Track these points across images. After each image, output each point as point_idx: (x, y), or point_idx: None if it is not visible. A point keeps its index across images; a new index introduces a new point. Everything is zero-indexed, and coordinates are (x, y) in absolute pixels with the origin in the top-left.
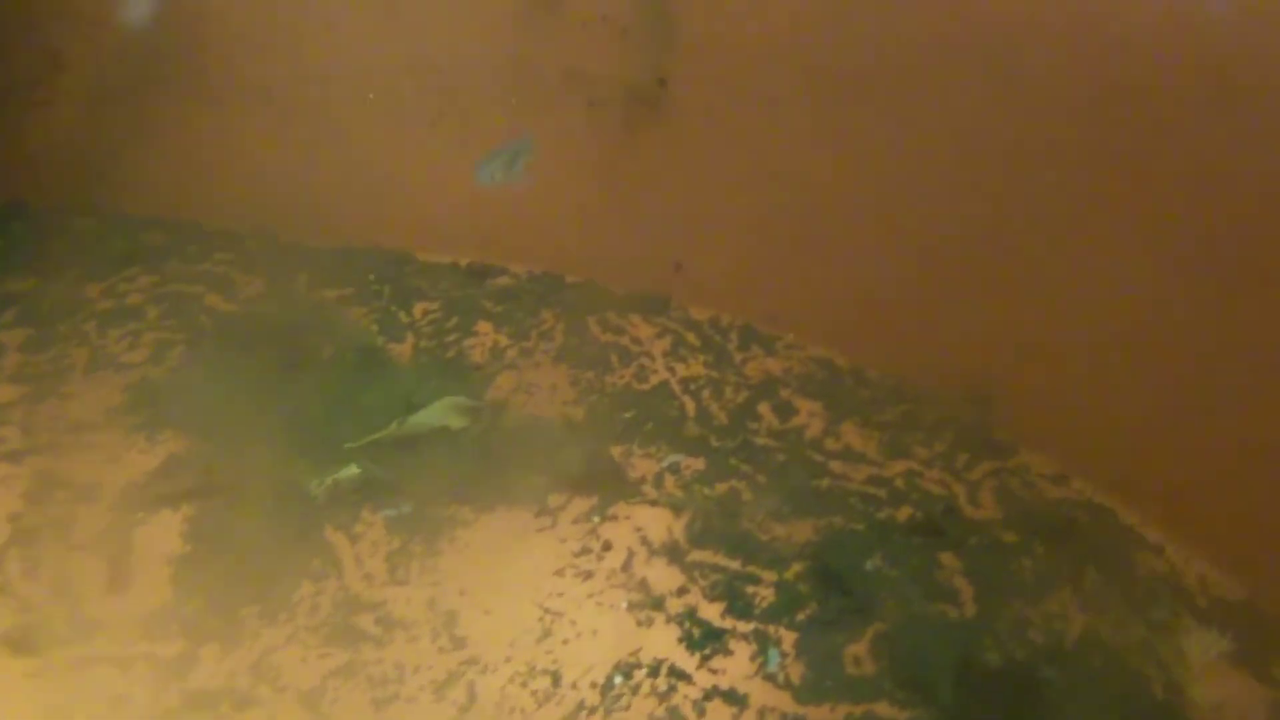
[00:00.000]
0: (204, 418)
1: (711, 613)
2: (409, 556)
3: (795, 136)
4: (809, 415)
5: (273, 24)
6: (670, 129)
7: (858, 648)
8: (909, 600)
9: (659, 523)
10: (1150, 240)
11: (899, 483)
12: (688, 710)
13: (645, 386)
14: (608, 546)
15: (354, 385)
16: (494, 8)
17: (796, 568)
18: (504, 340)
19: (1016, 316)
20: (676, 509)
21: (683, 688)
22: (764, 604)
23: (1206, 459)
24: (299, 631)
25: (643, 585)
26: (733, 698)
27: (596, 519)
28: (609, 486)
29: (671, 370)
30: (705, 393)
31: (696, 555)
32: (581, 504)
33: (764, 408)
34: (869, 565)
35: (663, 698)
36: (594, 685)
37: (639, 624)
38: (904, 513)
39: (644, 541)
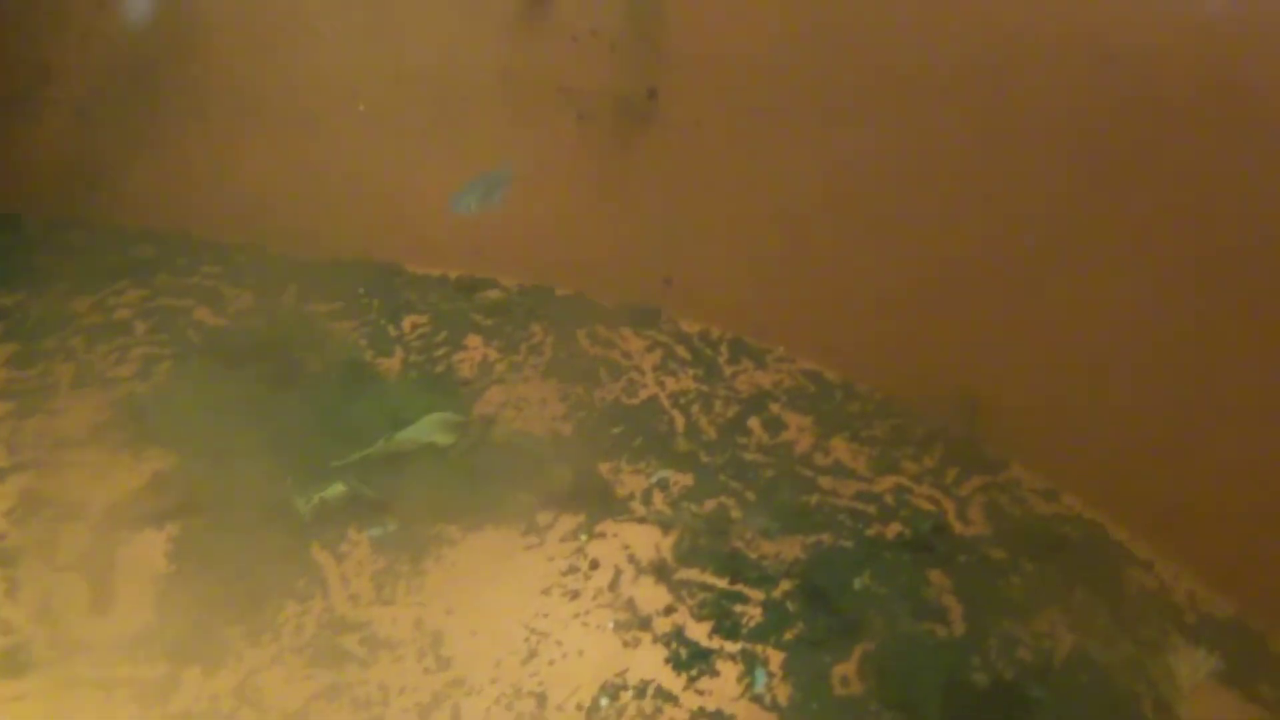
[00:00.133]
0: (190, 434)
1: (699, 632)
2: (395, 576)
3: (785, 149)
4: (798, 430)
5: (263, 36)
6: (660, 142)
7: (845, 667)
8: (897, 619)
9: (647, 540)
10: (1141, 256)
11: (888, 498)
12: None
13: (635, 401)
14: (595, 565)
15: (342, 401)
16: (484, 20)
17: (785, 586)
18: (493, 354)
19: (1007, 330)
20: (665, 526)
21: (669, 709)
22: (752, 623)
23: (1197, 475)
24: (283, 653)
25: (630, 605)
26: (719, 719)
27: (584, 537)
28: (597, 503)
29: (661, 384)
30: (695, 407)
31: (684, 574)
32: (569, 522)
33: (754, 422)
34: (857, 583)
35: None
36: (580, 707)
37: (625, 644)
38: (893, 529)
39: (631, 560)
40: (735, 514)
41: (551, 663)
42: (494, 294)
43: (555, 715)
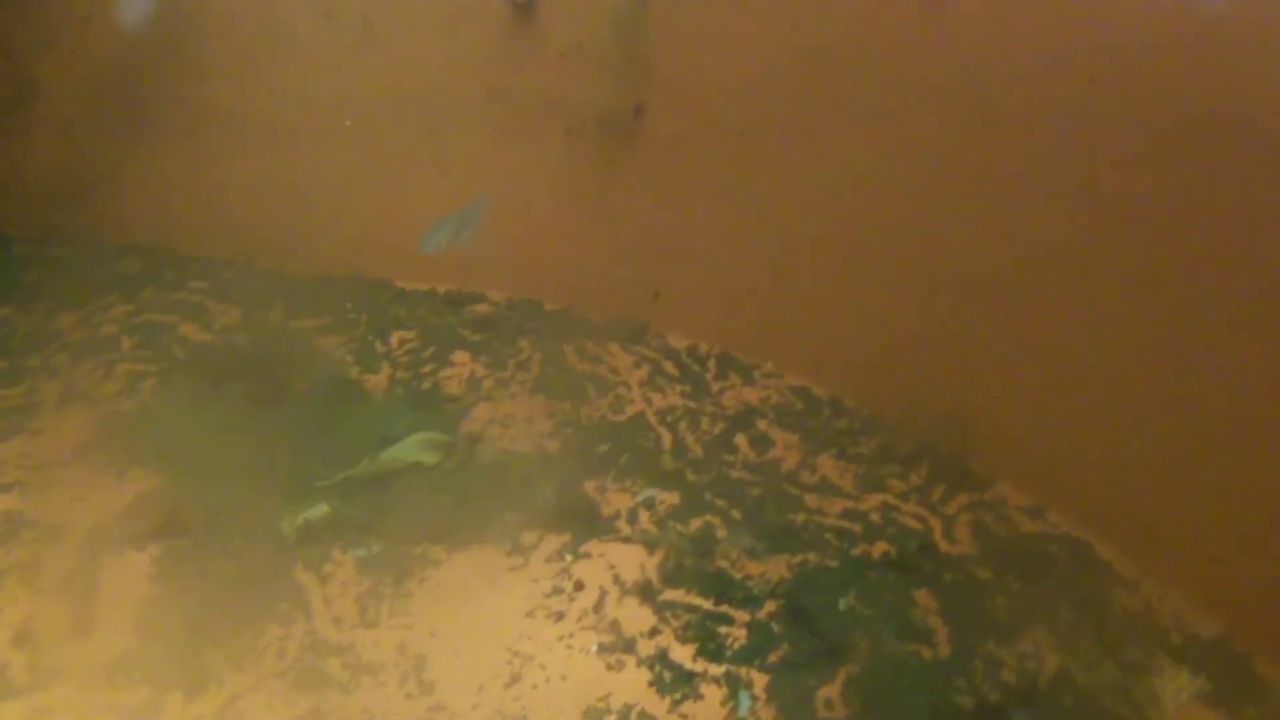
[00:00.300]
0: (175, 454)
1: (683, 655)
2: (379, 598)
3: (771, 165)
4: (785, 447)
5: (249, 51)
6: (647, 157)
7: (830, 690)
8: (882, 640)
9: (632, 561)
10: (1128, 275)
11: (874, 517)
12: None
13: (621, 418)
14: (580, 586)
15: (328, 419)
16: (472, 36)
17: (770, 607)
18: (481, 370)
19: (994, 347)
20: (650, 546)
21: None
22: (736, 645)
23: (1183, 493)
24: (265, 677)
25: (614, 627)
26: None
27: (569, 557)
28: (582, 523)
29: (648, 401)
30: (682, 424)
31: (669, 594)
32: (554, 541)
33: (740, 439)
34: (842, 604)
35: None
36: None
37: (609, 667)
38: (879, 548)
39: (617, 580)
40: (721, 533)
41: (535, 687)
42: (482, 308)
43: None
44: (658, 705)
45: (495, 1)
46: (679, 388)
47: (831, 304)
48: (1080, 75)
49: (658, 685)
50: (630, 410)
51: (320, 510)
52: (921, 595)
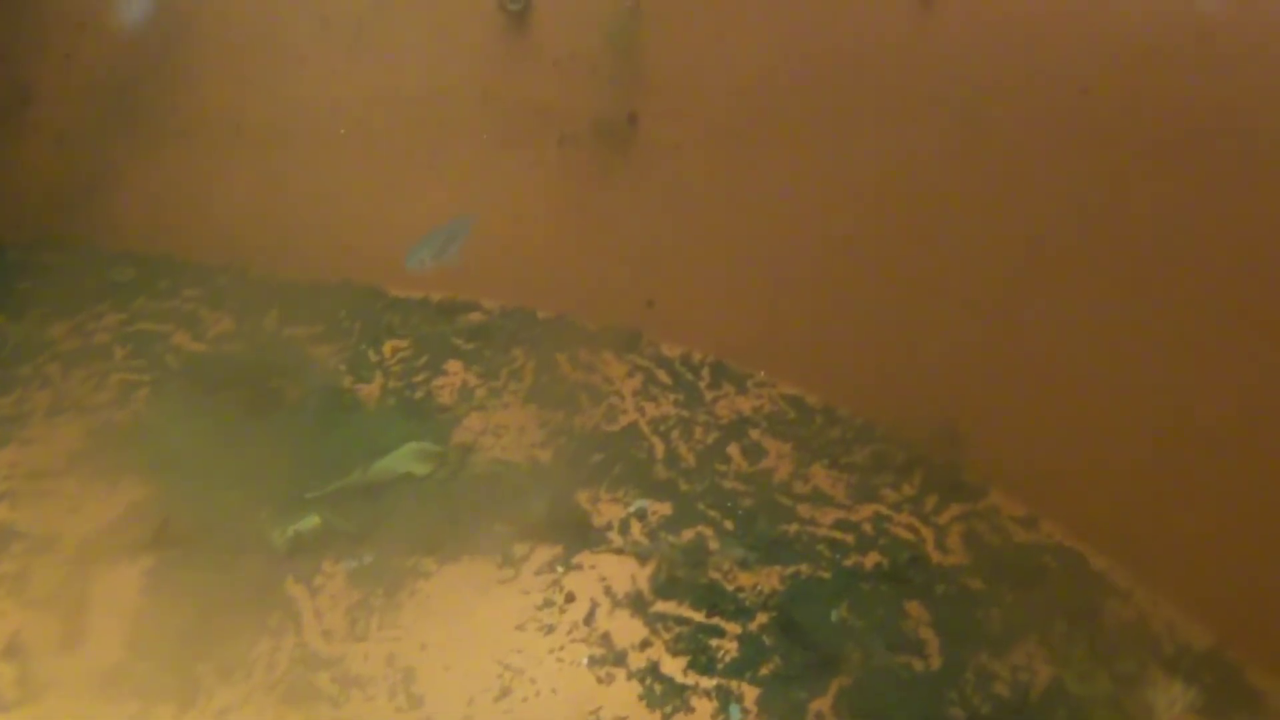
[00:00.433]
0: (166, 464)
1: (674, 668)
2: (369, 610)
3: (765, 174)
4: (778, 457)
5: (243, 58)
6: (641, 165)
7: (821, 703)
8: (874, 653)
9: (624, 572)
10: (1120, 284)
11: (867, 527)
12: None
13: (614, 427)
14: (571, 598)
15: (320, 429)
16: (466, 44)
17: (761, 619)
18: (473, 380)
19: (987, 356)
20: (642, 558)
21: None
22: (727, 658)
23: (1176, 503)
24: (255, 691)
25: (605, 639)
26: None
27: (560, 569)
28: (574, 534)
29: (641, 410)
30: (675, 433)
31: (661, 606)
32: (545, 553)
33: (733, 449)
34: (834, 616)
35: None
36: None
37: (600, 681)
38: (871, 559)
39: (608, 592)
40: (713, 544)
41: (525, 700)
42: (476, 317)
43: None
44: (648, 719)
45: (489, 9)
46: (672, 397)
47: (825, 313)
48: (1072, 85)
49: (648, 699)
50: (623, 420)
51: (312, 521)
52: (913, 607)
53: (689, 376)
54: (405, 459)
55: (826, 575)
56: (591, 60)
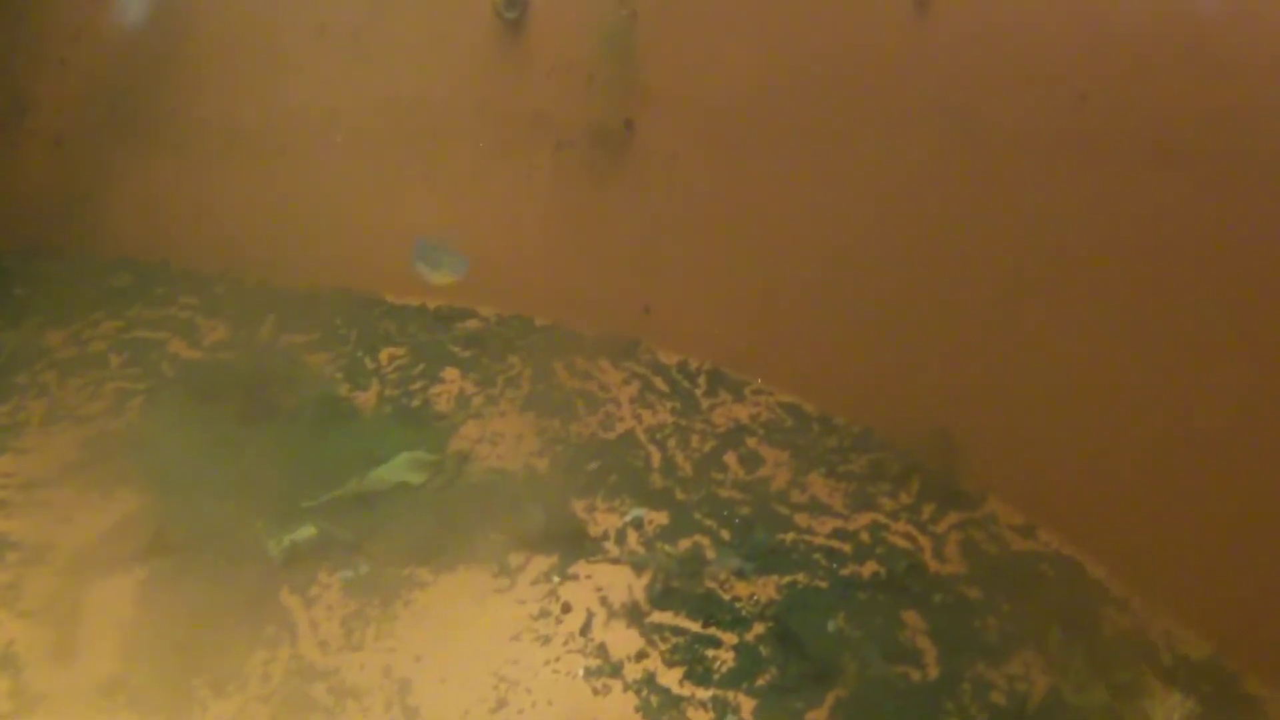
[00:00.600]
0: (161, 473)
1: (670, 679)
2: (365, 621)
3: (761, 181)
4: (775, 465)
5: (240, 66)
6: (637, 172)
7: (817, 714)
8: (871, 663)
9: (620, 582)
10: (1118, 291)
11: (864, 536)
12: None
13: (611, 435)
14: (567, 608)
15: (316, 438)
16: (462, 51)
17: (758, 629)
18: (470, 387)
19: (985, 364)
20: (638, 567)
21: None
22: (724, 669)
23: (1174, 511)
24: (249, 703)
25: (601, 650)
26: None
27: (556, 579)
28: (570, 543)
29: (638, 418)
30: (671, 442)
31: (657, 617)
32: (542, 563)
33: (730, 457)
34: (831, 626)
35: None
36: None
37: (595, 692)
38: (869, 568)
39: (604, 602)
40: (710, 554)
41: (520, 712)
42: (473, 324)
43: None
44: None
45: (485, 17)
46: (669, 404)
47: (822, 320)
48: (1070, 92)
49: (644, 710)
50: (620, 428)
51: (307, 531)
52: (910, 616)
53: (686, 384)
54: (401, 468)
55: (823, 585)
56: (588, 68)
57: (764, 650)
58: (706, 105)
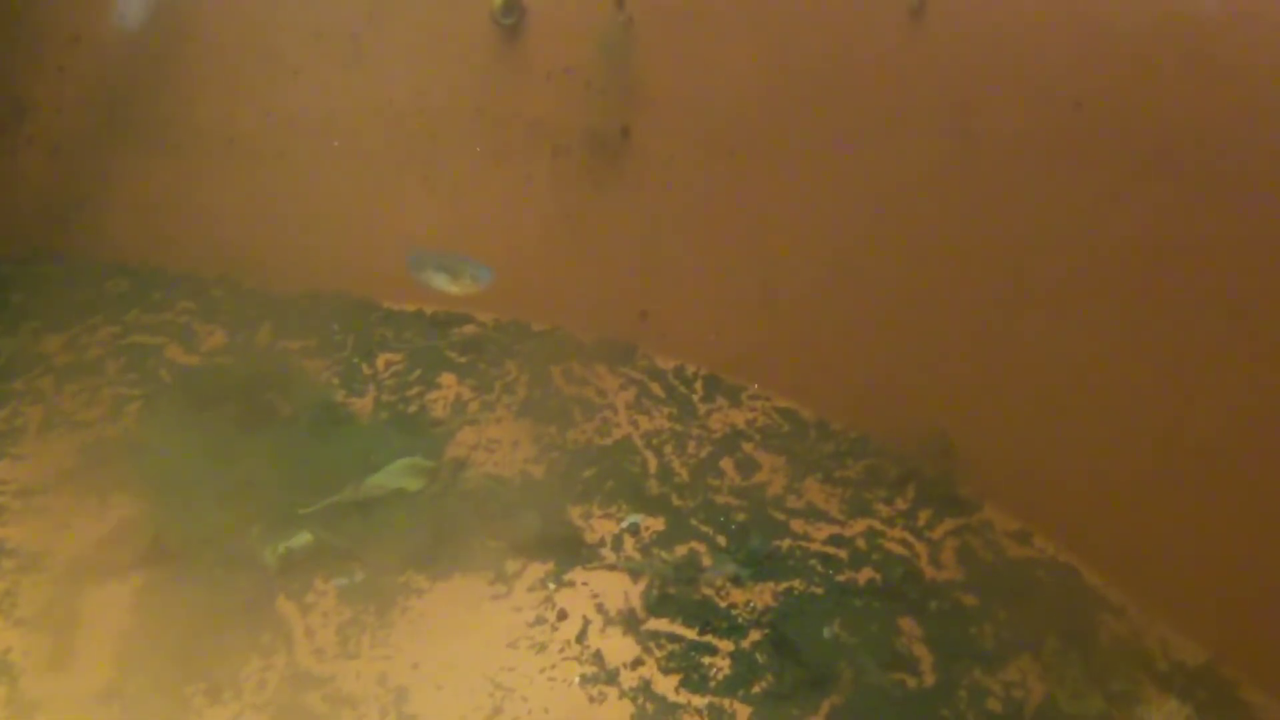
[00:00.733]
0: (158, 480)
1: (666, 686)
2: (361, 628)
3: (758, 187)
4: (771, 471)
5: (237, 71)
6: (634, 178)
7: None
8: (867, 670)
9: (616, 589)
10: (1113, 298)
11: (860, 543)
12: None
13: (607, 441)
14: (563, 616)
15: (312, 444)
16: (459, 57)
17: (754, 636)
18: (467, 393)
19: (982, 370)
20: (635, 574)
21: None
22: (720, 676)
23: (1170, 518)
24: (245, 710)
25: (597, 657)
26: None
27: (553, 586)
28: (567, 550)
29: (635, 424)
30: (668, 448)
31: (653, 624)
32: (538, 570)
33: (726, 463)
34: (827, 632)
35: None
36: None
37: (591, 700)
38: (865, 575)
39: (600, 609)
40: (706, 560)
41: (516, 719)
42: (470, 329)
43: None
44: None
45: (482, 23)
46: (666, 410)
47: (818, 325)
48: (1065, 98)
49: (640, 718)
50: (617, 433)
51: (303, 538)
52: (906, 623)
53: (682, 389)
54: (397, 474)
55: (819, 591)
56: (584, 74)
57: (760, 657)
58: (703, 111)
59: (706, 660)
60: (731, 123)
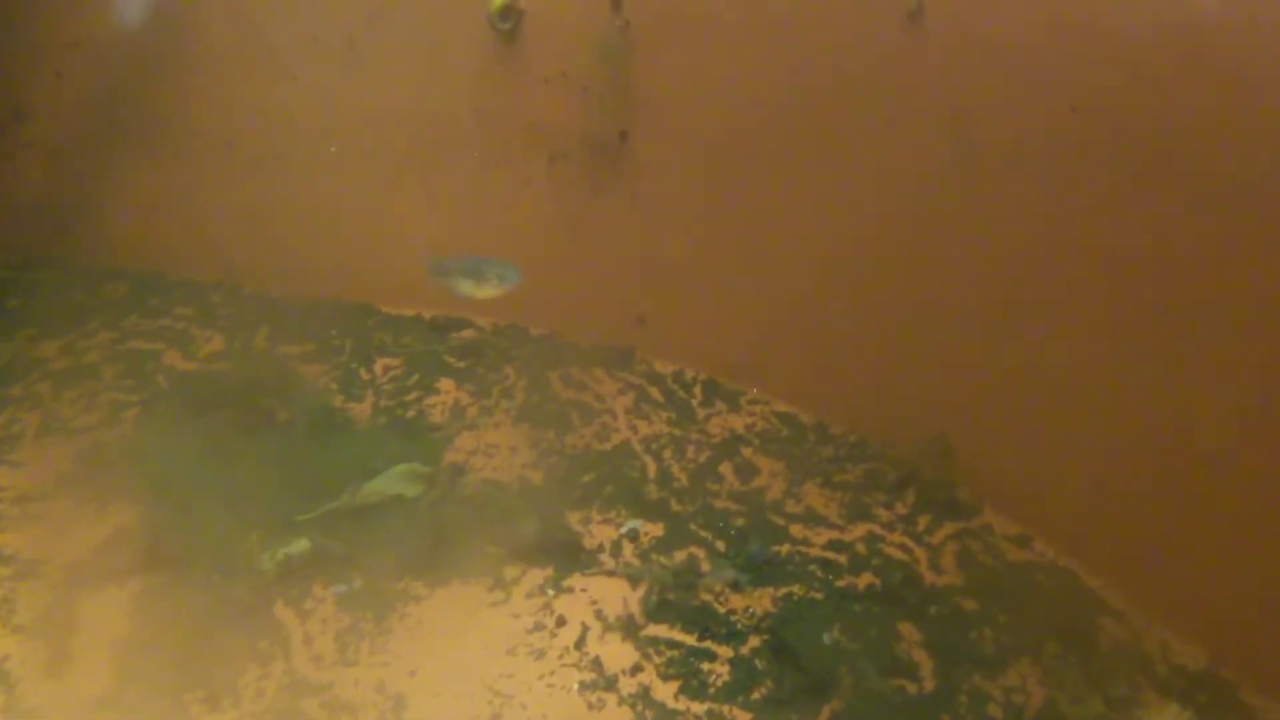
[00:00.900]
0: (155, 486)
1: (665, 693)
2: (359, 635)
3: (757, 191)
4: (770, 476)
5: (235, 76)
6: (632, 182)
7: None
8: (867, 676)
9: (615, 595)
10: (1115, 302)
11: (860, 548)
12: None
13: (606, 446)
14: (561, 622)
15: (310, 449)
16: (457, 62)
17: (753, 642)
18: (465, 398)
19: (981, 373)
20: (634, 580)
21: None
22: (719, 682)
23: (1169, 522)
24: (243, 718)
25: (596, 664)
26: None
27: (551, 592)
28: (565, 556)
29: (634, 429)
30: (667, 452)
31: (652, 630)
32: (536, 576)
33: (725, 468)
34: (827, 638)
35: None
36: None
37: (590, 707)
38: (864, 580)
39: (599, 616)
40: (705, 566)
41: None
42: (468, 334)
43: None
44: None
45: (479, 27)
46: (665, 415)
47: (817, 329)
48: (1062, 102)
49: None
50: (615, 438)
51: (301, 545)
52: (906, 628)
53: (681, 394)
54: (395, 480)
55: (819, 597)
56: (582, 78)
57: (759, 663)
58: (701, 115)
59: (706, 666)
60: (730, 127)
